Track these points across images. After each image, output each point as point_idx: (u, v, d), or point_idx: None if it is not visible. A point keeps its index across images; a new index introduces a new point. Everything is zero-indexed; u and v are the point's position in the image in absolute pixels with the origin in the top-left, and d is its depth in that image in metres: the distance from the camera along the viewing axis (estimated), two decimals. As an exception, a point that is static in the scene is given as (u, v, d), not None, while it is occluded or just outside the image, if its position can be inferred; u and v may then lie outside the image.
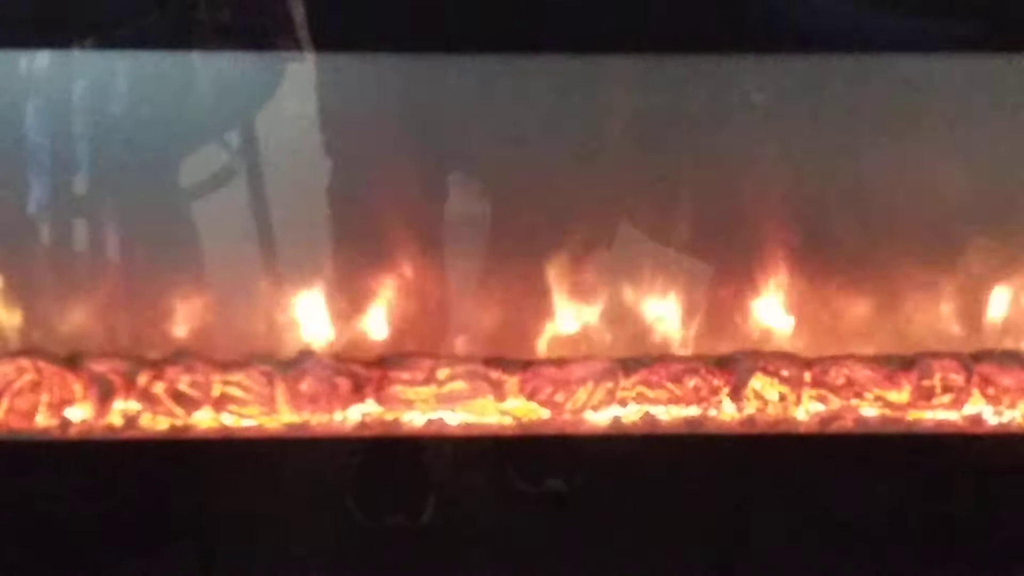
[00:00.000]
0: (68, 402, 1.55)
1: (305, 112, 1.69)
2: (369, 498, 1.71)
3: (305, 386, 1.57)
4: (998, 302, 1.74)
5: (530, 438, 1.61)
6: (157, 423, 1.56)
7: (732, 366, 1.62)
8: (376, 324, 1.69)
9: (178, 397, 1.56)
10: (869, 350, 1.67)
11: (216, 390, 1.56)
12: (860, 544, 1.68)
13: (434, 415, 1.59)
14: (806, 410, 1.62)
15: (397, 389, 1.58)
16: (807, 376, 1.62)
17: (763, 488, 1.69)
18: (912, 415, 1.63)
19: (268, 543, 1.65)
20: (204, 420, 1.56)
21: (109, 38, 1.57)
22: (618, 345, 1.68)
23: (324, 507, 1.69)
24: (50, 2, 1.56)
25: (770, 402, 1.61)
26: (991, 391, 1.63)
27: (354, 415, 1.58)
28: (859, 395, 1.62)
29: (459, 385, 1.58)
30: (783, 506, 1.70)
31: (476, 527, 1.70)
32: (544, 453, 1.71)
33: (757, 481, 1.68)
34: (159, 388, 1.56)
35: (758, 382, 1.61)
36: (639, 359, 1.62)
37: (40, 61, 1.63)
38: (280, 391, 1.57)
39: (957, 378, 1.62)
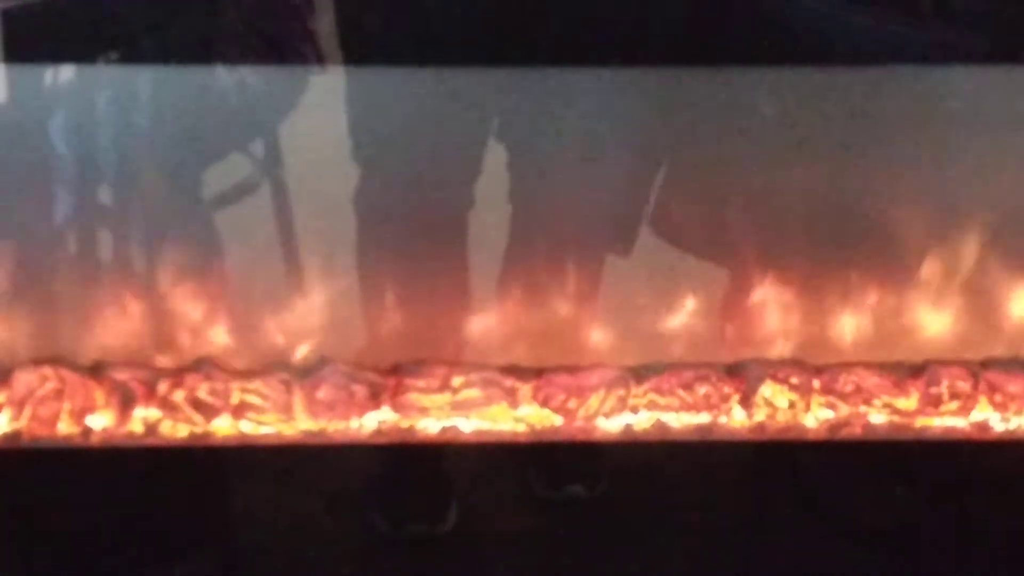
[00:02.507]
0: (90, 410, 1.57)
1: (325, 124, 1.71)
2: (391, 507, 1.73)
3: (322, 393, 1.59)
4: (1006, 309, 1.75)
5: (549, 444, 1.62)
6: (177, 430, 1.58)
7: (742, 373, 1.63)
8: (392, 332, 1.70)
9: (197, 405, 1.57)
10: (877, 357, 1.68)
11: (235, 398, 1.58)
12: (868, 550, 1.68)
13: (449, 422, 1.60)
14: (815, 417, 1.63)
15: (412, 396, 1.60)
16: (816, 383, 1.63)
17: (773, 494, 1.70)
18: (920, 422, 1.64)
19: (290, 551, 1.67)
20: (223, 427, 1.58)
21: (133, 52, 1.60)
22: (630, 353, 1.69)
23: (346, 516, 1.71)
24: (75, 17, 1.59)
25: (780, 409, 1.62)
26: (998, 398, 1.64)
27: (370, 422, 1.60)
28: (868, 402, 1.63)
29: (473, 392, 1.60)
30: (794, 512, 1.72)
31: (498, 534, 1.71)
32: (564, 459, 1.72)
33: (767, 487, 1.69)
34: (179, 396, 1.57)
35: (768, 389, 1.62)
36: (650, 367, 1.63)
37: (65, 75, 1.66)
38: (297, 398, 1.58)
39: (964, 385, 1.63)
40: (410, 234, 1.73)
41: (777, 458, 1.68)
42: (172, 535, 1.66)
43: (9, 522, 1.60)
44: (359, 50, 1.65)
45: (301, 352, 1.64)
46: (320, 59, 1.65)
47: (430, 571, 1.70)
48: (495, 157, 1.73)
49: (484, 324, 1.71)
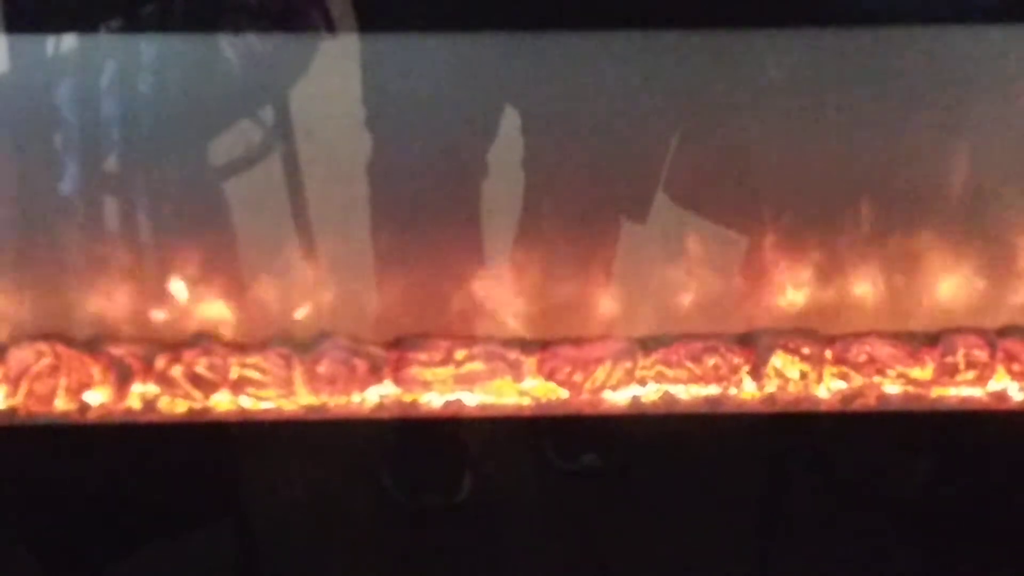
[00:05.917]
0: (87, 386, 1.55)
1: (336, 91, 1.69)
2: (405, 476, 1.71)
3: (322, 368, 1.57)
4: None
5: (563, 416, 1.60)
6: (175, 406, 1.56)
7: (752, 344, 1.60)
8: (394, 304, 1.68)
9: (196, 380, 1.56)
10: (891, 326, 1.65)
11: (234, 373, 1.56)
12: (882, 522, 1.67)
13: (452, 396, 1.58)
14: (828, 388, 1.60)
15: (415, 370, 1.58)
16: (828, 354, 1.60)
17: (785, 466, 1.69)
18: (936, 392, 1.61)
19: (303, 521, 1.66)
20: (222, 403, 1.56)
21: (136, 20, 1.57)
22: (637, 323, 1.66)
23: (360, 486, 1.69)
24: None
25: (791, 380, 1.59)
26: (1016, 367, 1.61)
27: (372, 396, 1.58)
28: (881, 372, 1.60)
29: (477, 366, 1.58)
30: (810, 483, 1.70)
31: (513, 504, 1.70)
32: (580, 429, 1.70)
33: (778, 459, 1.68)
34: (177, 371, 1.56)
35: (778, 360, 1.59)
36: (658, 338, 1.60)
37: (68, 44, 1.63)
38: (298, 373, 1.56)
39: (981, 354, 1.60)
40: (423, 202, 1.71)
41: (795, 428, 1.65)
42: (171, 511, 1.64)
43: (7, 500, 1.59)
44: (372, 15, 1.63)
45: (300, 326, 1.62)
46: (330, 25, 1.63)
47: (444, 541, 1.69)
48: (509, 124, 1.72)
49: (498, 293, 1.69)
